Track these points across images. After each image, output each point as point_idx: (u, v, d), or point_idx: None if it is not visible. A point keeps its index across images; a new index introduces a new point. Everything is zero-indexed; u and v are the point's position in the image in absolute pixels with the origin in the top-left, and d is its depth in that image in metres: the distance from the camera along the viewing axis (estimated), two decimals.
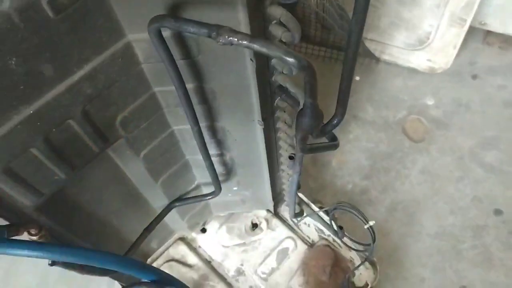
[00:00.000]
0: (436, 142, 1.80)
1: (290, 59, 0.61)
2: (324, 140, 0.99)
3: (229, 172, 1.29)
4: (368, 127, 1.84)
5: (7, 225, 0.73)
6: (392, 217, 1.61)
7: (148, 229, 1.27)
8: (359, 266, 1.26)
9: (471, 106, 1.89)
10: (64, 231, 1.00)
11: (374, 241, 1.05)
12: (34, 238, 0.78)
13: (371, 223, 0.99)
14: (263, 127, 1.03)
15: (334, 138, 0.87)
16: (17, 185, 0.77)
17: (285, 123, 1.10)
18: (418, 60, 2.01)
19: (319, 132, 0.77)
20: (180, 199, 1.31)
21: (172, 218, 1.42)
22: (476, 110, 1.88)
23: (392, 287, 1.51)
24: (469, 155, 1.76)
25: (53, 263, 0.74)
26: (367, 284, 1.40)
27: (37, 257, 0.56)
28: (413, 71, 2.04)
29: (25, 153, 0.74)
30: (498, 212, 1.63)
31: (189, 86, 0.88)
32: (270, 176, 1.31)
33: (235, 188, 1.40)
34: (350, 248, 1.45)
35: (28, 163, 0.76)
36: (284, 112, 1.06)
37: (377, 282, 1.39)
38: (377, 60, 2.03)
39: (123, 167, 1.05)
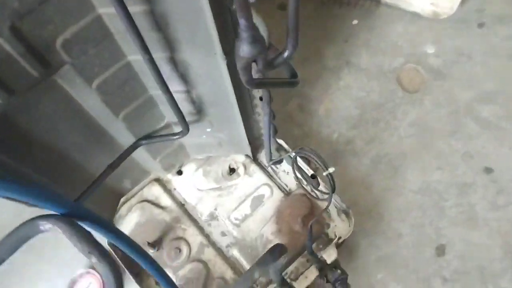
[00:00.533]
0: (431, 93, 1.70)
1: None
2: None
3: (199, 111, 1.22)
4: (361, 74, 1.74)
5: None
6: (376, 169, 1.54)
7: (112, 166, 1.22)
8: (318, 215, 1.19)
9: (473, 56, 1.76)
10: (17, 164, 0.95)
11: (333, 190, 0.99)
12: None
13: (331, 170, 0.92)
14: (226, 61, 0.95)
15: (294, 75, 0.79)
16: None
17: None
18: (421, 3, 1.86)
19: (265, 63, 0.68)
20: (147, 137, 1.24)
21: (143, 157, 1.36)
22: (478, 61, 1.75)
23: (368, 241, 1.46)
24: (465, 108, 1.66)
25: None
26: (339, 237, 1.36)
27: None
28: (415, 15, 1.90)
29: None
30: (488, 170, 1.55)
31: (134, 8, 0.79)
32: (243, 118, 1.24)
33: (208, 130, 1.34)
34: (316, 197, 1.40)
35: None
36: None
37: (350, 235, 1.35)
38: (378, 2, 1.88)
39: (76, 97, 0.98)
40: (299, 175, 1.25)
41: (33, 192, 0.56)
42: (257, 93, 1.14)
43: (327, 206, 1.02)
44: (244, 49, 0.62)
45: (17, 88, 0.82)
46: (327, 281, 1.23)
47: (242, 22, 0.57)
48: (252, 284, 0.88)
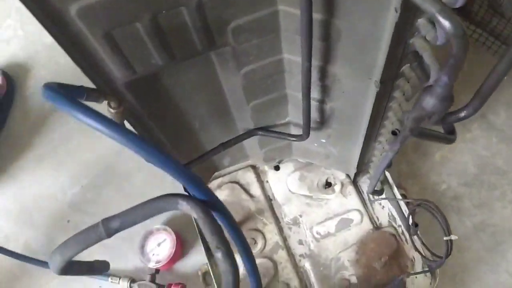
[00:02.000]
0: None
1: (445, 21, 0.49)
2: (439, 129, 0.86)
3: (323, 122, 1.20)
4: (492, 133, 1.62)
5: (90, 88, 0.71)
6: (476, 237, 1.44)
7: (225, 145, 1.25)
8: (419, 273, 1.15)
9: None
10: (146, 117, 1.00)
11: (447, 256, 0.93)
12: (112, 111, 0.77)
13: (453, 237, 0.86)
14: (378, 90, 0.91)
15: (452, 131, 0.74)
16: (114, 55, 0.76)
17: (404, 94, 0.97)
18: None
19: (438, 118, 0.64)
20: (265, 129, 1.25)
21: (251, 144, 1.38)
22: None
23: None
24: None
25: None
26: None
27: (99, 130, 0.53)
28: None
29: (129, 25, 0.71)
30: None
31: (316, 16, 0.78)
32: (364, 143, 1.20)
33: (323, 140, 1.32)
34: (416, 248, 1.33)
35: (130, 37, 0.74)
36: (408, 82, 0.92)
37: None
38: None
39: (221, 77, 1.01)
40: (410, 222, 1.19)
41: (182, 172, 0.58)
42: (391, 125, 1.09)
43: (434, 268, 0.96)
44: (430, 103, 0.59)
45: (179, 55, 0.85)
46: None
47: (444, 79, 0.54)
48: None
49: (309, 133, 1.17)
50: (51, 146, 1.78)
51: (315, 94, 1.05)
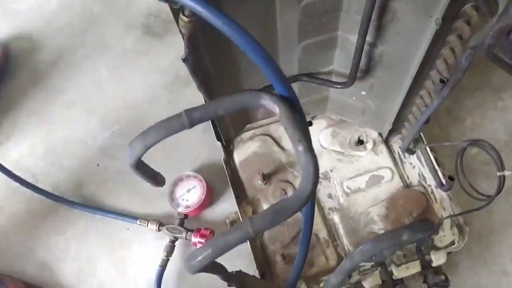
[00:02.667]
0: None
1: None
2: None
3: (369, 70, 1.20)
4: None
5: None
6: (506, 200, 1.46)
7: (265, 88, 1.25)
8: (464, 213, 1.13)
9: None
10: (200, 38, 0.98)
11: (498, 192, 0.94)
12: (185, 19, 0.77)
13: (507, 173, 0.87)
14: (437, 27, 0.91)
15: None
16: None
17: (460, 37, 0.97)
18: None
19: None
20: (309, 75, 1.26)
21: None
22: None
23: (470, 264, 1.40)
24: None
25: None
26: (446, 246, 1.30)
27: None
28: None
29: None
30: None
31: None
32: (406, 95, 1.21)
33: (363, 93, 1.32)
34: (444, 208, 1.35)
35: None
36: (468, 25, 0.92)
37: (456, 252, 1.29)
38: None
39: (279, 10, 1.01)
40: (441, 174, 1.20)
41: (271, 66, 0.58)
42: (438, 74, 1.10)
43: (486, 204, 0.96)
44: None
45: None
46: (424, 282, 1.20)
47: None
48: (398, 243, 0.87)
49: (354, 80, 1.18)
50: (82, 92, 1.79)
51: (368, 36, 1.05)
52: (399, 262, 1.22)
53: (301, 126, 0.60)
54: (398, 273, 1.19)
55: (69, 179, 1.66)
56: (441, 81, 1.09)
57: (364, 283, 1.24)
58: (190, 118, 0.61)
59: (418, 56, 1.04)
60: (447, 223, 1.35)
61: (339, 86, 1.22)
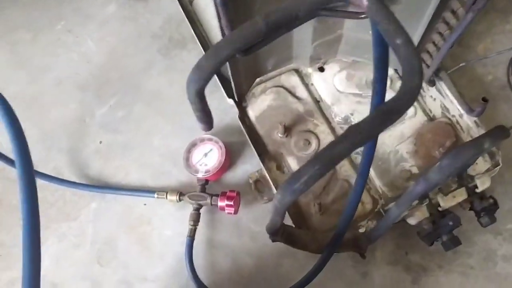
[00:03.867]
0: None
1: None
2: None
3: None
4: None
5: None
6: None
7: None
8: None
9: None
10: None
11: None
12: None
13: None
14: None
15: None
16: None
17: None
18: None
19: None
20: (329, 9, 1.17)
21: (303, 34, 1.30)
22: None
23: (504, 189, 1.38)
24: None
25: None
26: (479, 172, 1.27)
27: None
28: None
29: None
30: None
31: None
32: (426, 28, 1.15)
33: None
34: (471, 136, 1.31)
35: None
36: None
37: (490, 177, 1.26)
38: None
39: None
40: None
41: None
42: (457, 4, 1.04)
43: None
44: None
45: None
46: (471, 209, 1.17)
47: None
48: (480, 153, 0.82)
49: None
50: (70, 68, 1.66)
51: None
52: (445, 191, 1.18)
53: (395, 17, 0.53)
54: (445, 203, 1.16)
55: (71, 162, 1.54)
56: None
57: (409, 220, 1.20)
58: (266, 22, 0.53)
59: None
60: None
61: (362, 16, 1.14)
